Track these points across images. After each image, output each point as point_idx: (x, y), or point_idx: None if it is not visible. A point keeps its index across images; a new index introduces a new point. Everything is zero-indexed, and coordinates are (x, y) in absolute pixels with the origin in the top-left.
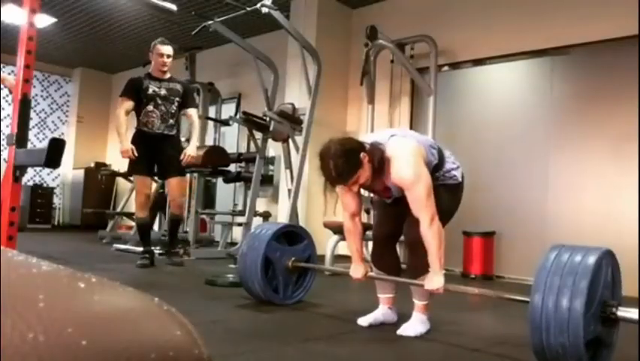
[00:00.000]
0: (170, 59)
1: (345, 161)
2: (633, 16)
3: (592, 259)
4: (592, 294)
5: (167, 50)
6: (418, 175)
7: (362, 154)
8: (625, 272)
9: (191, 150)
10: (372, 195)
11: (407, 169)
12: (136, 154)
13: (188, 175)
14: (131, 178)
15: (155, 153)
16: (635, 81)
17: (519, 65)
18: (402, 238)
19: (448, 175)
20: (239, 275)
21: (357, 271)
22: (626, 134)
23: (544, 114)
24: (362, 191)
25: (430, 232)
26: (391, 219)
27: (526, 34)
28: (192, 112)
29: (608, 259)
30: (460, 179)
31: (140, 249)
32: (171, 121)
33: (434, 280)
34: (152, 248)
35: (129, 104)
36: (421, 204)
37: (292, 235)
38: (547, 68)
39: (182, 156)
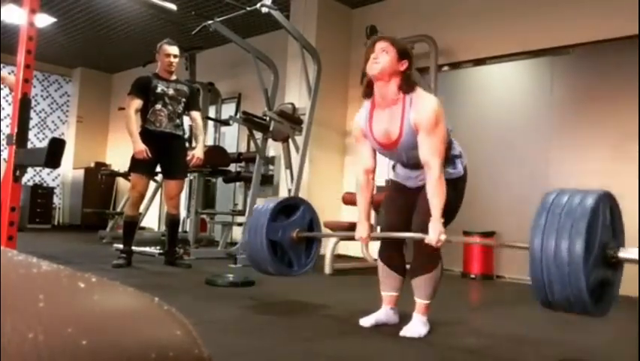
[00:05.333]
0: (177, 60)
1: (402, 41)
2: (633, 16)
3: (590, 202)
4: (591, 236)
5: (174, 50)
6: (441, 118)
7: (409, 59)
8: (625, 272)
9: (199, 152)
10: (377, 146)
11: (436, 107)
12: (150, 155)
13: (189, 175)
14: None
15: (160, 153)
16: (635, 81)
17: (519, 65)
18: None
19: (454, 162)
20: (250, 263)
21: (362, 230)
22: (626, 133)
23: (544, 114)
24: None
25: (440, 182)
26: (400, 210)
27: (526, 34)
28: (196, 115)
29: (607, 200)
30: (462, 171)
31: (140, 249)
32: (178, 121)
33: (437, 228)
34: (132, 249)
35: (138, 102)
36: (436, 149)
37: (289, 208)
38: (547, 68)
39: (189, 157)
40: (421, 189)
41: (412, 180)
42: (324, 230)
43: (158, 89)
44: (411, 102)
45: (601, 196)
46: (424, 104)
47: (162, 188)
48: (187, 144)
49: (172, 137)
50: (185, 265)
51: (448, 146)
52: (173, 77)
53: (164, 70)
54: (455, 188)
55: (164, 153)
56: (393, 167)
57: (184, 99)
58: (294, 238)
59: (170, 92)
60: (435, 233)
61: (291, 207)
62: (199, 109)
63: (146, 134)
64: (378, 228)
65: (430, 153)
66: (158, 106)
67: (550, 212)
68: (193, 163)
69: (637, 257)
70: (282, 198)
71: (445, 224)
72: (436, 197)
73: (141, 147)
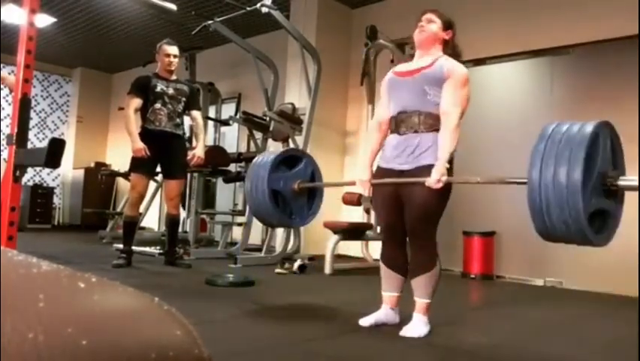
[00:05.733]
0: (177, 60)
1: (447, 16)
2: (633, 16)
3: (588, 129)
4: (590, 164)
5: (174, 50)
6: (469, 82)
7: (453, 30)
8: (625, 272)
9: (200, 152)
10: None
11: (467, 72)
12: (148, 153)
13: (189, 175)
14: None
15: (160, 152)
16: (635, 81)
17: (519, 65)
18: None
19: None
20: (253, 214)
21: (362, 173)
22: (626, 134)
23: (544, 114)
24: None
25: (456, 130)
26: (394, 209)
27: (526, 34)
28: (197, 114)
29: (606, 129)
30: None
31: (140, 249)
32: (178, 120)
33: (439, 170)
34: (132, 249)
35: (138, 101)
36: (459, 102)
37: (291, 160)
38: (547, 68)
39: (189, 157)
40: (405, 173)
41: (399, 159)
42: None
43: (158, 89)
44: (447, 59)
45: (600, 125)
46: (460, 65)
47: (162, 188)
48: (187, 144)
49: (172, 136)
50: (185, 265)
51: None
52: (173, 77)
53: (164, 70)
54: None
55: (164, 152)
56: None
57: (184, 99)
58: (296, 190)
59: (170, 91)
60: (437, 173)
61: (292, 159)
62: (199, 108)
63: (146, 134)
64: (379, 228)
65: (453, 103)
66: (158, 105)
67: (550, 140)
68: (194, 163)
69: (637, 184)
70: (282, 150)
71: (438, 218)
72: (447, 141)
73: (140, 145)
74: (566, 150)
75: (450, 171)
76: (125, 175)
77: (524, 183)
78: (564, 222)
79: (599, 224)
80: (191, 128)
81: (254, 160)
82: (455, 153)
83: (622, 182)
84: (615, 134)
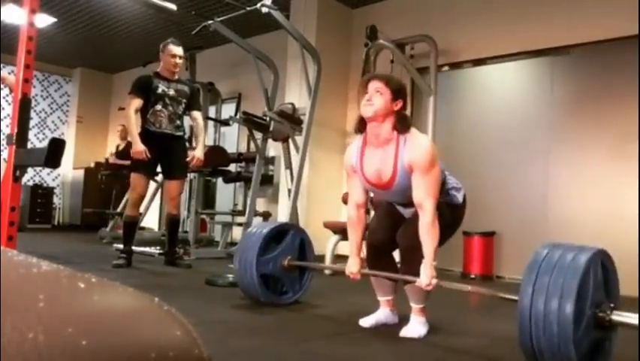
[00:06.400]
0: (182, 60)
1: (396, 79)
2: (633, 16)
3: (582, 260)
4: (582, 296)
5: (179, 50)
6: (436, 158)
7: (403, 98)
8: (625, 272)
9: (199, 153)
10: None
11: (430, 147)
12: (149, 155)
13: (190, 175)
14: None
15: (160, 153)
16: (635, 81)
17: (519, 65)
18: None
19: (448, 193)
20: (244, 292)
21: (353, 265)
22: (626, 134)
23: (544, 114)
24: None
25: (434, 225)
26: (392, 221)
27: (526, 34)
28: (197, 115)
29: (598, 259)
30: (460, 200)
31: (140, 249)
32: (178, 122)
33: (428, 272)
34: (133, 249)
35: (139, 102)
36: (431, 190)
37: (278, 234)
38: (547, 68)
39: (189, 158)
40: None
41: (403, 210)
42: (316, 263)
43: (159, 90)
44: (405, 142)
45: (594, 254)
46: (419, 143)
47: (162, 188)
48: (187, 144)
49: (172, 137)
50: (185, 265)
51: (442, 182)
52: (176, 77)
53: (167, 70)
54: (453, 211)
55: (164, 153)
56: None
57: (184, 100)
58: (286, 266)
59: (171, 92)
60: (427, 277)
61: (280, 233)
62: (200, 109)
63: (147, 135)
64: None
65: (424, 194)
66: (159, 107)
67: (543, 266)
68: (193, 164)
69: (630, 321)
70: (270, 228)
71: (441, 244)
72: (428, 240)
73: (140, 147)
74: (559, 280)
75: (462, 215)
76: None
77: (516, 300)
78: (553, 356)
79: (591, 354)
80: (192, 128)
81: (241, 243)
82: (465, 198)
83: (615, 317)
84: (610, 262)
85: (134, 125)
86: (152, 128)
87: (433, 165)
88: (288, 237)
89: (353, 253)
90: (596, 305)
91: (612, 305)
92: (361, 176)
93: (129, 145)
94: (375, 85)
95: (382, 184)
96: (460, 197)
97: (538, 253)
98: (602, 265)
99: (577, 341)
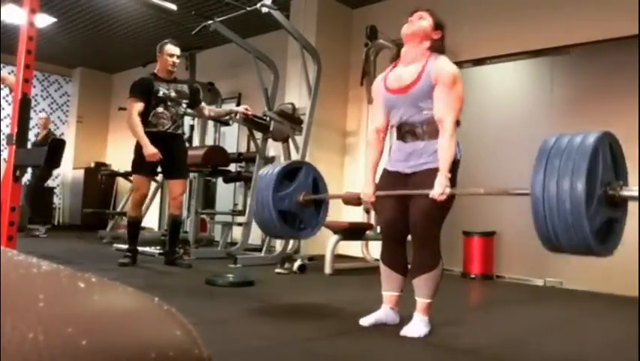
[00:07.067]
0: (179, 60)
1: (439, 16)
2: (633, 16)
3: (590, 141)
4: (593, 177)
5: (177, 50)
6: (460, 81)
7: (443, 31)
8: (625, 271)
9: (242, 109)
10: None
11: (456, 70)
12: (161, 156)
13: (190, 175)
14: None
15: (162, 154)
16: (635, 81)
17: (519, 65)
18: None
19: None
20: (263, 231)
21: (368, 188)
22: (626, 134)
23: (544, 114)
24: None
25: (452, 139)
26: (396, 207)
27: (526, 34)
28: (203, 104)
29: (608, 140)
30: (458, 157)
31: (141, 249)
32: (179, 122)
33: (442, 182)
34: (138, 248)
35: (140, 105)
36: (452, 106)
37: (291, 172)
38: (547, 68)
39: (244, 110)
40: (411, 176)
41: (405, 163)
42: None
43: (160, 93)
44: (435, 59)
45: (602, 136)
46: (447, 63)
47: (163, 188)
48: (187, 144)
49: (173, 137)
50: (185, 265)
51: None
52: (173, 77)
53: (165, 70)
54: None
55: (166, 153)
56: (389, 151)
57: (185, 100)
58: (302, 202)
59: (172, 94)
60: (440, 186)
61: (292, 171)
62: (201, 102)
63: (148, 137)
64: (379, 228)
65: (445, 109)
66: (160, 109)
67: (552, 152)
68: (243, 112)
69: (638, 194)
70: (282, 166)
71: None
72: (446, 152)
73: (153, 150)
74: (569, 163)
75: (454, 176)
76: (125, 175)
77: (527, 194)
78: (568, 234)
79: (604, 233)
80: (191, 128)
81: (257, 180)
82: (461, 156)
83: (625, 192)
84: (617, 144)
85: (141, 128)
86: (154, 129)
87: (455, 83)
88: (300, 174)
89: (369, 177)
90: (607, 184)
91: (622, 183)
92: (382, 86)
93: (48, 135)
94: (420, 13)
95: (400, 88)
96: (458, 153)
97: (546, 141)
98: (610, 146)
99: (590, 219)
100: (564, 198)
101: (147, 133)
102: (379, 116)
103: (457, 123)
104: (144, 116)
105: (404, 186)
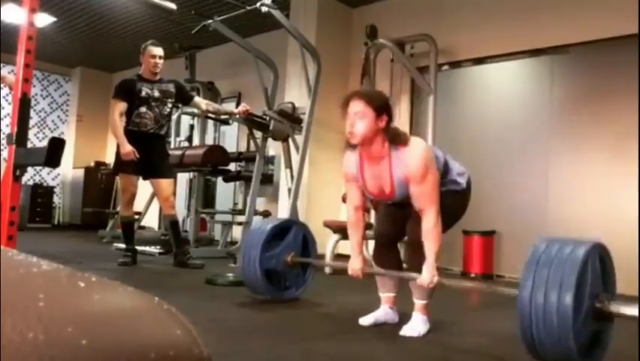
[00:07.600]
0: (162, 61)
1: (377, 93)
2: (633, 16)
3: (580, 253)
4: (581, 290)
5: (159, 51)
6: (431, 163)
7: (388, 111)
8: (625, 271)
9: (241, 108)
10: (371, 197)
11: (422, 156)
12: (137, 155)
13: (189, 174)
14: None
15: (144, 153)
16: (635, 81)
17: (519, 65)
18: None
19: (451, 181)
20: (248, 287)
21: (356, 263)
22: (626, 133)
23: (544, 114)
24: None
25: (435, 229)
26: (394, 221)
27: (526, 33)
28: (197, 99)
29: (596, 252)
30: (464, 185)
31: (140, 248)
32: (163, 122)
33: (430, 271)
34: (136, 247)
35: (123, 105)
36: (430, 199)
37: (283, 230)
38: (547, 68)
39: (240, 109)
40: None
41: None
42: (318, 260)
43: (143, 93)
44: (397, 156)
45: (591, 248)
46: (410, 155)
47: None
48: (187, 144)
49: (154, 137)
50: (197, 265)
51: (445, 171)
52: (157, 78)
53: (149, 71)
54: (456, 199)
55: (144, 153)
56: None
57: (171, 99)
58: (289, 263)
59: (156, 94)
60: (428, 275)
61: (283, 229)
62: (193, 97)
63: (129, 135)
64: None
65: (423, 203)
66: (143, 109)
67: (541, 260)
68: (243, 111)
69: (628, 312)
70: (273, 224)
71: (445, 230)
72: (431, 242)
73: (129, 148)
74: (557, 273)
75: (465, 203)
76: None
77: (515, 296)
78: (554, 348)
79: (589, 345)
80: (191, 127)
81: (245, 239)
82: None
83: (613, 308)
84: (607, 255)
85: (120, 128)
86: (135, 129)
87: (427, 172)
88: (291, 233)
89: (355, 252)
90: (595, 297)
91: (610, 297)
92: (365, 189)
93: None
94: (354, 108)
95: (385, 196)
96: (464, 182)
97: (536, 247)
98: (600, 257)
99: (576, 332)
100: (551, 309)
101: (129, 132)
102: (356, 196)
103: None
104: (128, 116)
105: (407, 205)
